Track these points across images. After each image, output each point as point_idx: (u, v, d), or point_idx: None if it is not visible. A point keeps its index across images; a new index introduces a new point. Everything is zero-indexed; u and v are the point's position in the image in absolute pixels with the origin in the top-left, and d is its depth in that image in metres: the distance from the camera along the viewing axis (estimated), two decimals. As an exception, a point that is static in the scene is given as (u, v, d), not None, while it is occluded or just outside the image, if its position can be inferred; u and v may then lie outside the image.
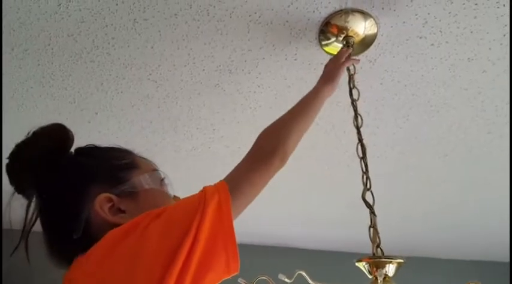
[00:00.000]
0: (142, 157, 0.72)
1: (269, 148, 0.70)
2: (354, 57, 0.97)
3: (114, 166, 0.66)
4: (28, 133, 0.64)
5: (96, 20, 0.98)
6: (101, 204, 0.61)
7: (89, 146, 0.70)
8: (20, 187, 0.63)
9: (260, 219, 2.11)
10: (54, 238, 0.63)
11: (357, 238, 1.85)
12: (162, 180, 0.70)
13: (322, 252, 2.43)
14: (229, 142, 1.47)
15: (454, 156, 1.50)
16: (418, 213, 1.93)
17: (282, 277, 0.59)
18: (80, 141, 0.69)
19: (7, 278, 1.98)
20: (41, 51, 1.08)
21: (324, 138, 1.42)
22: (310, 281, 0.55)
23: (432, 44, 1.02)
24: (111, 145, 0.71)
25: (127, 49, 1.07)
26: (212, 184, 0.62)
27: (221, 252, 0.54)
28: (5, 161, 0.64)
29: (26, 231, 0.62)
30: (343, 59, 0.94)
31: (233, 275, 0.56)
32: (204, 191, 0.58)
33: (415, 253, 2.32)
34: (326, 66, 0.95)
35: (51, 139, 0.64)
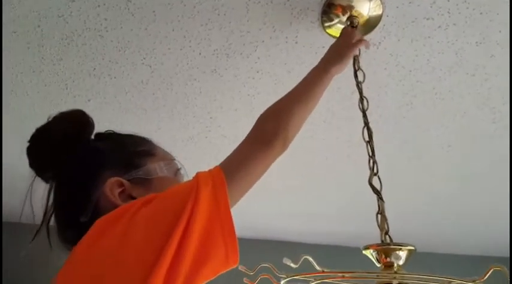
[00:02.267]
0: (160, 147, 0.71)
1: (270, 131, 0.66)
2: (365, 39, 0.92)
3: (130, 152, 0.65)
4: (48, 118, 0.65)
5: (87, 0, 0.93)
6: (111, 187, 0.60)
7: (108, 132, 0.71)
8: (39, 169, 0.64)
9: (258, 213, 2.07)
10: (63, 221, 0.62)
11: (358, 232, 1.82)
12: (178, 170, 0.68)
13: (323, 246, 2.40)
14: (226, 132, 1.42)
15: (457, 146, 1.46)
16: (419, 204, 1.89)
17: (287, 261, 0.55)
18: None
19: (6, 278, 1.95)
20: (30, 33, 1.03)
21: (323, 128, 1.38)
22: (316, 266, 0.52)
23: (439, 26, 0.98)
24: (130, 133, 0.71)
25: (120, 31, 1.02)
26: (207, 170, 0.58)
27: (219, 243, 0.49)
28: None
29: (46, 217, 0.62)
30: (357, 39, 0.88)
31: (232, 268, 0.51)
32: (197, 177, 0.54)
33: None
34: (333, 44, 0.89)
35: (70, 124, 0.65)
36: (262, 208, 2.02)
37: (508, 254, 2.30)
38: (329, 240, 2.40)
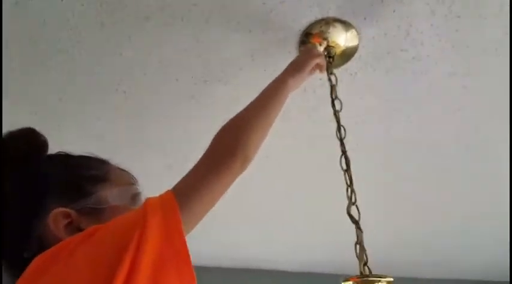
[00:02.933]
0: (121, 169, 0.64)
1: (228, 149, 0.60)
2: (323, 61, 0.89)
3: (79, 177, 0.58)
4: None
5: (59, 22, 0.91)
6: (56, 219, 0.53)
7: (60, 153, 0.62)
8: None
9: (237, 242, 2.01)
10: (6, 257, 0.54)
11: (340, 260, 1.77)
12: (136, 195, 0.61)
13: (305, 274, 2.34)
14: (203, 159, 1.39)
15: (428, 179, 1.47)
16: (408, 234, 1.88)
17: None
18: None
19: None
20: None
21: (303, 156, 1.37)
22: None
23: (413, 57, 1.00)
24: (86, 154, 0.63)
25: (93, 55, 0.99)
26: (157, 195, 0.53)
27: (172, 276, 0.44)
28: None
29: None
30: (318, 53, 0.86)
31: None
32: (145, 205, 0.49)
33: (406, 273, 2.23)
34: (294, 59, 0.86)
35: (19, 145, 0.58)
36: (241, 237, 1.96)
37: (507, 279, 2.28)
38: (316, 268, 2.34)
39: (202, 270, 2.33)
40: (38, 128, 1.25)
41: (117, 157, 1.38)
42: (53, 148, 0.64)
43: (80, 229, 0.53)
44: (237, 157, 0.59)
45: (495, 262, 2.15)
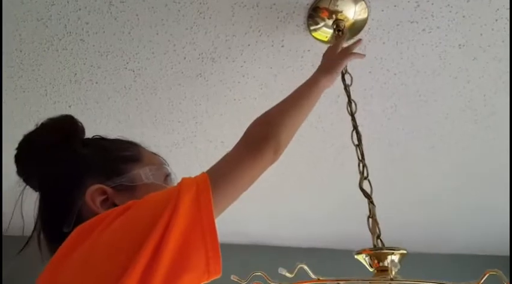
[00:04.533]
0: (151, 152, 0.68)
1: (262, 138, 0.63)
2: (360, 53, 0.92)
3: (114, 158, 0.62)
4: (37, 124, 0.63)
5: (68, 3, 0.91)
6: (93, 195, 0.57)
7: (95, 137, 0.68)
8: (26, 178, 0.62)
9: (248, 218, 2.05)
10: (48, 232, 0.59)
11: (350, 234, 1.82)
12: (167, 176, 0.65)
13: (315, 250, 2.40)
14: (212, 137, 1.40)
15: (440, 147, 1.48)
16: (406, 205, 1.91)
17: (282, 271, 0.53)
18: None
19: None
20: (7, 37, 0.99)
21: (309, 132, 1.38)
22: (312, 275, 0.51)
23: (423, 29, 0.99)
24: (118, 137, 0.68)
25: (102, 35, 0.99)
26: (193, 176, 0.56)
27: (200, 252, 0.46)
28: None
29: (37, 228, 0.60)
30: (352, 50, 0.88)
31: (214, 278, 0.48)
32: (180, 183, 0.52)
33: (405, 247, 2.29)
34: (327, 54, 0.88)
35: (59, 130, 0.63)
36: (251, 213, 2.00)
37: (507, 253, 2.33)
38: (321, 243, 2.40)
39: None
40: (49, 109, 1.26)
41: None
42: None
43: (115, 205, 0.57)
44: (270, 146, 0.62)
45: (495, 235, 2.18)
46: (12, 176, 0.64)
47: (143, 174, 0.61)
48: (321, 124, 1.35)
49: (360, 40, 0.92)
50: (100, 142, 0.66)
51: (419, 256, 2.36)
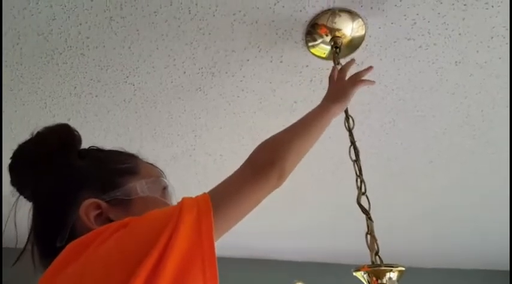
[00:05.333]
0: (148, 163, 0.65)
1: (266, 162, 0.62)
2: (370, 80, 0.89)
3: (110, 170, 0.60)
4: (32, 133, 0.61)
5: (69, 18, 0.92)
6: (87, 210, 0.55)
7: (91, 148, 0.65)
8: (20, 188, 0.60)
9: (243, 232, 2.04)
10: (41, 245, 0.57)
11: (347, 249, 1.81)
12: (165, 188, 0.63)
13: (311, 264, 2.37)
14: (211, 150, 1.41)
15: (438, 162, 1.49)
16: (404, 220, 1.90)
17: None
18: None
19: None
20: (8, 51, 1.00)
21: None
22: (309, 295, 0.50)
23: (420, 46, 1.00)
24: (115, 148, 0.66)
25: (102, 49, 1.00)
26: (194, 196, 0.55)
27: (198, 276, 0.45)
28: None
29: (29, 240, 0.58)
30: (362, 77, 0.86)
31: None
32: (181, 203, 0.50)
33: (403, 262, 2.27)
34: (336, 81, 0.86)
35: (54, 139, 0.60)
36: (246, 227, 1.99)
37: (507, 268, 2.31)
38: (319, 258, 2.37)
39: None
40: (48, 122, 1.27)
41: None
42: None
43: (109, 220, 0.55)
44: (275, 171, 0.61)
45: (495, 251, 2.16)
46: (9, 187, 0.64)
47: (139, 187, 0.59)
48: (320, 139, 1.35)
49: (370, 67, 0.91)
50: (96, 153, 0.64)
51: (419, 270, 2.34)
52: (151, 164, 0.66)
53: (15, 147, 0.63)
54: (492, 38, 0.97)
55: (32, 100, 1.16)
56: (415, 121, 1.27)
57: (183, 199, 0.52)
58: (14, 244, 0.62)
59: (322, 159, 1.46)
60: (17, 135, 1.28)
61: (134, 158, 0.64)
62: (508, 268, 2.34)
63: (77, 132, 0.63)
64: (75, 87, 1.12)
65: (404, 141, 1.37)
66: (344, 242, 2.05)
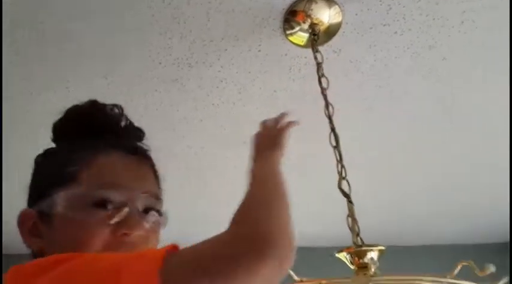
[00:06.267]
0: (115, 166, 0.51)
1: (251, 248, 0.39)
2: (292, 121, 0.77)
3: (45, 175, 0.52)
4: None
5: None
6: (22, 219, 0.50)
7: (52, 148, 0.56)
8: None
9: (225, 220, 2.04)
10: None
11: (331, 233, 1.82)
12: (100, 202, 0.47)
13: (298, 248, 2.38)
14: (191, 142, 1.39)
15: (416, 145, 1.52)
16: (385, 203, 1.93)
17: None
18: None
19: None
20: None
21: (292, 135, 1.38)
22: (295, 276, 0.50)
23: (395, 32, 1.02)
24: (73, 148, 0.54)
25: (80, 39, 0.97)
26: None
27: None
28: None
29: None
30: (285, 123, 0.76)
31: None
32: (126, 259, 0.39)
33: (396, 242, 2.27)
34: (260, 136, 0.74)
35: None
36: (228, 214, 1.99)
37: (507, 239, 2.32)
38: (302, 242, 2.39)
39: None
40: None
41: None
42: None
43: (39, 235, 0.49)
44: (267, 258, 0.39)
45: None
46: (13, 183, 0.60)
47: (59, 200, 0.47)
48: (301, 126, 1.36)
49: (284, 113, 0.78)
50: (50, 152, 0.55)
51: (406, 249, 2.36)
52: (123, 168, 0.51)
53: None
54: (462, 22, 1.00)
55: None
56: (391, 106, 1.29)
57: (134, 256, 0.40)
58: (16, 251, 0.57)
59: (303, 145, 1.47)
60: None
61: (86, 160, 0.51)
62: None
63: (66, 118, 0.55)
64: (46, 80, 1.08)
65: (382, 127, 1.39)
66: (327, 226, 2.06)
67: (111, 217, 0.47)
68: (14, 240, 0.54)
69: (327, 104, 0.80)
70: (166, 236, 0.53)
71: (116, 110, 0.57)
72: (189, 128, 1.31)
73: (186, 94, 1.17)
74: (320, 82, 0.85)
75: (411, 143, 1.50)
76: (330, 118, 0.78)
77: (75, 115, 0.56)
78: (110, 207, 0.48)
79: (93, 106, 0.56)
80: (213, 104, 1.22)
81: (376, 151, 1.53)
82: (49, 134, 0.57)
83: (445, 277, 0.47)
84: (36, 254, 0.49)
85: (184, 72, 1.10)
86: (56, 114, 0.57)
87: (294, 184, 1.78)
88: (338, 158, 0.71)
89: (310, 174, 1.64)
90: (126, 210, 0.48)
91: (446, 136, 1.47)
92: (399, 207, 2.01)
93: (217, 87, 1.16)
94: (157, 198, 0.53)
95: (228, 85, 1.15)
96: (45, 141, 0.57)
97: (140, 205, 0.50)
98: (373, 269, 0.51)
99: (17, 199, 0.54)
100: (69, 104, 1.12)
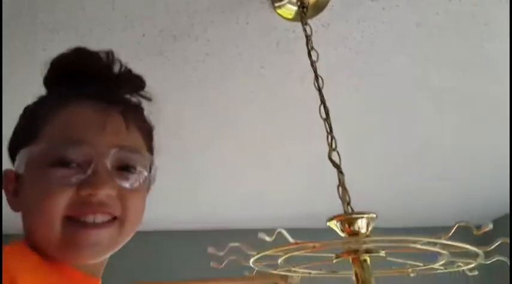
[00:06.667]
0: (91, 121, 0.46)
1: None
2: None
3: (19, 132, 0.49)
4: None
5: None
6: (6, 179, 0.47)
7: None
8: None
9: (214, 203, 2.04)
10: None
11: (316, 213, 1.84)
12: (58, 160, 0.43)
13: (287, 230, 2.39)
14: (173, 119, 1.36)
15: (401, 124, 1.54)
16: (372, 175, 1.94)
17: (262, 235, 0.53)
18: None
19: None
20: None
21: (276, 109, 1.38)
22: (290, 239, 0.50)
23: (383, 8, 1.01)
24: (51, 95, 0.51)
25: (53, 11, 0.92)
26: None
27: None
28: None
29: None
30: None
31: None
32: None
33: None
34: None
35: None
36: (219, 197, 1.99)
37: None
38: (291, 224, 2.41)
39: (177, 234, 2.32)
40: None
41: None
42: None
43: (17, 195, 0.46)
44: None
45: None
46: None
47: (22, 158, 0.45)
48: (288, 102, 1.35)
49: None
50: (29, 106, 0.51)
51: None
52: (99, 118, 0.46)
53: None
54: (450, 0, 1.00)
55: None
56: (376, 84, 1.30)
57: None
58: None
59: (292, 121, 1.46)
60: None
61: (56, 111, 0.47)
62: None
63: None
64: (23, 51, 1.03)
65: (367, 103, 1.40)
66: (314, 207, 2.08)
67: (71, 176, 0.43)
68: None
69: (317, 76, 0.79)
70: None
71: (107, 56, 0.52)
72: (173, 101, 1.29)
73: (171, 69, 1.14)
74: (310, 55, 0.84)
75: (396, 119, 1.52)
76: (320, 90, 0.77)
77: (59, 63, 0.51)
78: (72, 165, 0.44)
79: (79, 52, 0.51)
80: (198, 79, 1.20)
81: (361, 127, 1.54)
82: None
83: (439, 238, 0.48)
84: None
85: (169, 45, 1.06)
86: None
87: (283, 164, 1.74)
88: (328, 130, 0.70)
89: (300, 150, 1.65)
90: (92, 166, 0.43)
91: (432, 115, 1.49)
92: (389, 180, 2.03)
93: (203, 61, 1.13)
94: (137, 152, 0.48)
95: (214, 60, 1.13)
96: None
97: (110, 162, 0.44)
98: (367, 231, 0.52)
99: None
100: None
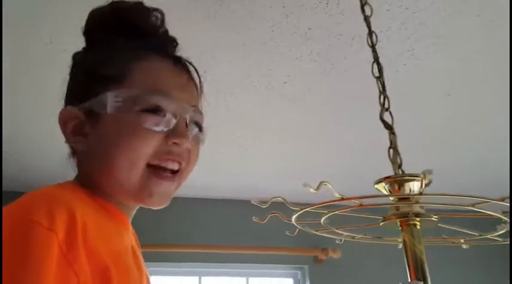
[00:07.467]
0: (167, 70, 0.50)
1: None
2: None
3: (92, 72, 0.49)
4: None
5: None
6: (64, 119, 0.49)
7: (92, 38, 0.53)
8: None
9: (257, 175, 2.06)
10: None
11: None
12: (154, 110, 0.47)
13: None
14: (220, 86, 1.36)
15: (458, 94, 1.43)
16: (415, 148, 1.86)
17: (306, 186, 0.52)
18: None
19: None
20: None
21: (321, 80, 1.33)
22: (336, 193, 0.49)
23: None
24: (124, 44, 0.51)
25: None
26: None
27: None
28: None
29: None
30: None
31: None
32: None
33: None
34: None
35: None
36: (259, 170, 2.00)
37: None
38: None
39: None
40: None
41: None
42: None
43: (83, 134, 0.48)
44: None
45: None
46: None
47: (110, 99, 0.46)
48: (334, 71, 1.30)
49: None
50: (94, 51, 0.52)
51: None
52: (174, 72, 0.50)
53: None
54: None
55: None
56: (435, 48, 1.20)
57: None
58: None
59: (338, 92, 1.41)
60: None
61: (136, 60, 0.49)
62: None
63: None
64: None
65: (422, 70, 1.31)
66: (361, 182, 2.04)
67: (161, 124, 0.47)
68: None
69: (370, 32, 0.74)
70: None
71: (159, 15, 0.53)
72: (218, 70, 1.28)
73: (217, 33, 1.13)
74: (363, 10, 0.78)
75: (449, 94, 1.41)
76: (373, 47, 0.72)
77: (115, 11, 0.51)
78: (161, 114, 0.47)
79: (137, 4, 0.52)
80: (243, 44, 1.17)
81: (413, 97, 1.45)
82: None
83: (503, 199, 0.44)
84: (80, 154, 0.49)
85: (215, 8, 1.05)
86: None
87: (323, 141, 1.68)
88: (381, 89, 0.66)
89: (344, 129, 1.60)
90: (177, 119, 0.48)
91: (492, 86, 1.36)
92: (430, 152, 1.93)
93: (248, 24, 1.10)
94: (202, 113, 0.53)
95: (260, 22, 1.10)
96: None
97: (188, 118, 0.49)
98: (425, 184, 0.48)
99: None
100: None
